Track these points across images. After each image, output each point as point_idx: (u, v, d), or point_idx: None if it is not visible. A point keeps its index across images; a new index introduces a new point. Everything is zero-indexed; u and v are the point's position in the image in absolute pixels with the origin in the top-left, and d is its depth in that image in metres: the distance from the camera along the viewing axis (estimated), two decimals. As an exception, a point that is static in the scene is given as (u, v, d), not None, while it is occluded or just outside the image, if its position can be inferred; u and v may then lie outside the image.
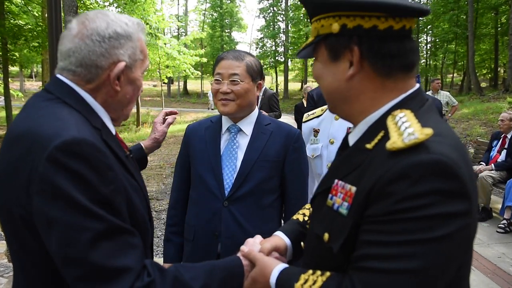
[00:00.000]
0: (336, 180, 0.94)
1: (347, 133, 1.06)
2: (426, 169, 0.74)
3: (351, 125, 2.09)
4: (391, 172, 0.76)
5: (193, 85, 43.55)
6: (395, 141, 0.78)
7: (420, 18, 0.99)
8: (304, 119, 2.45)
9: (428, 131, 0.76)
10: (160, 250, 4.15)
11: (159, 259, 1.85)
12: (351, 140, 1.01)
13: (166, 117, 1.97)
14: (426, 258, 0.74)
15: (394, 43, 0.90)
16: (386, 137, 0.85)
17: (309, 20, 1.06)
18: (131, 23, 1.10)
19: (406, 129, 0.80)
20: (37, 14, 14.64)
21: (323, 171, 2.22)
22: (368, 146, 0.89)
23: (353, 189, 0.86)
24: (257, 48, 40.59)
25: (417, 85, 0.95)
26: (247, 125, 1.85)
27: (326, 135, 2.26)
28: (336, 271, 0.89)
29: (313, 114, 2.41)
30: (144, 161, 1.91)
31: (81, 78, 1.05)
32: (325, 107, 2.36)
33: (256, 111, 1.90)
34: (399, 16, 0.89)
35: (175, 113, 2.00)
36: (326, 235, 0.90)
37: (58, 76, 1.07)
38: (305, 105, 6.28)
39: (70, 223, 0.87)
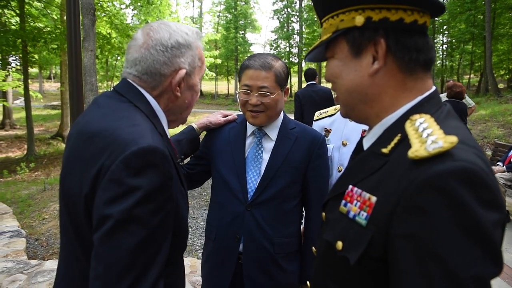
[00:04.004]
0: (350, 186, 0.90)
1: (362, 136, 1.02)
2: (453, 178, 0.68)
3: (366, 127, 2.02)
4: (416, 183, 0.71)
5: (207, 86, 43.74)
6: (417, 149, 0.74)
7: (435, 18, 0.97)
8: (315, 118, 2.33)
9: (453, 139, 0.71)
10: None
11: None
12: (366, 144, 0.97)
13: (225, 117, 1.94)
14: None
15: (418, 37, 0.89)
16: (404, 141, 0.82)
17: (320, 19, 1.02)
18: (191, 33, 1.18)
19: (428, 136, 0.75)
20: (55, 17, 14.94)
21: (333, 174, 2.12)
22: (385, 150, 0.86)
23: (373, 198, 0.81)
24: (271, 49, 40.52)
25: (434, 88, 0.92)
26: (273, 130, 1.83)
27: (339, 136, 2.14)
28: (349, 282, 0.86)
29: (325, 112, 2.30)
30: (197, 142, 1.91)
31: (147, 84, 1.13)
32: (338, 106, 2.21)
33: (281, 115, 1.87)
34: (426, 10, 0.88)
35: (233, 119, 1.94)
36: (340, 244, 0.86)
37: (128, 79, 1.14)
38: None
39: (123, 223, 0.90)
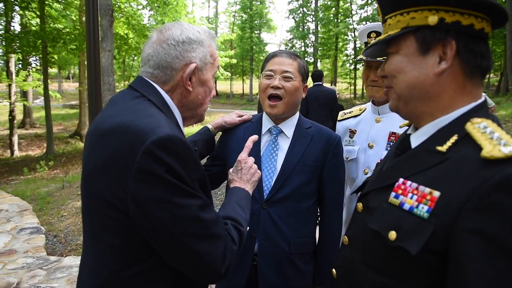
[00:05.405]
0: (401, 179, 0.93)
1: (407, 134, 1.04)
2: None
3: (394, 129, 1.93)
4: (493, 181, 0.74)
5: (222, 86, 43.91)
6: (492, 150, 0.77)
7: (495, 29, 1.01)
8: (339, 118, 2.26)
9: None
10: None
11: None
12: (414, 141, 0.99)
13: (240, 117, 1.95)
14: None
15: (483, 44, 0.93)
16: (462, 141, 0.86)
17: (383, 15, 1.04)
18: (203, 31, 1.22)
19: (500, 139, 0.79)
20: (74, 18, 15.20)
21: (358, 176, 2.06)
22: (440, 148, 0.89)
23: (436, 193, 0.83)
24: (286, 49, 40.37)
25: (484, 97, 0.96)
26: (289, 128, 1.84)
27: (364, 137, 2.07)
28: (392, 271, 0.89)
29: (349, 113, 2.24)
30: (212, 143, 1.93)
31: (158, 79, 1.16)
32: (363, 106, 2.20)
33: (297, 114, 1.88)
34: (492, 21, 0.92)
35: (248, 119, 1.96)
36: (393, 234, 0.88)
37: (142, 76, 1.18)
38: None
39: (169, 203, 0.99)
